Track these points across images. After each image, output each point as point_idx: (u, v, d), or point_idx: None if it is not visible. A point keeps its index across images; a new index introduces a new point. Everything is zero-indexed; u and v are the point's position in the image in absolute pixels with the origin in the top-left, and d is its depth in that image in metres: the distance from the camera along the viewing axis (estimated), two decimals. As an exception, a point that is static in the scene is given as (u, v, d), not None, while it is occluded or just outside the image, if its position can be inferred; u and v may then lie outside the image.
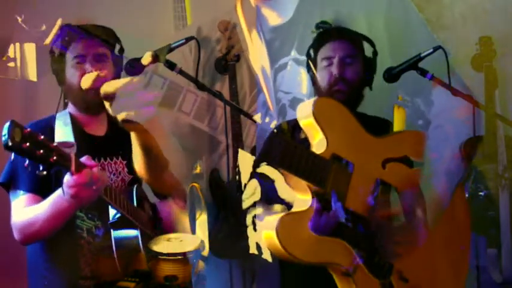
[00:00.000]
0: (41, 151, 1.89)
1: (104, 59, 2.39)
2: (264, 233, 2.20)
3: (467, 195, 2.66)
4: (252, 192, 2.63)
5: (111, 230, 2.27)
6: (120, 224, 2.27)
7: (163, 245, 2.29)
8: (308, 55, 2.52)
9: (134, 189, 2.41)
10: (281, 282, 2.51)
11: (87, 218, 2.36)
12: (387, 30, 2.69)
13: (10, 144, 1.81)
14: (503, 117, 3.50)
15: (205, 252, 2.87)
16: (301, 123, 2.29)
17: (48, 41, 2.26)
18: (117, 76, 2.44)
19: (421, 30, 2.76)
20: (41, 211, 2.20)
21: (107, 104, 2.03)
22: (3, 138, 1.82)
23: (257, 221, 2.59)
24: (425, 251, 2.36)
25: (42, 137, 1.91)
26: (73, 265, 2.33)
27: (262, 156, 2.17)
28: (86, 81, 2.31)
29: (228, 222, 2.96)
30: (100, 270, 2.32)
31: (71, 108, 2.46)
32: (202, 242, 2.38)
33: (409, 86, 2.64)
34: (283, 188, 2.37)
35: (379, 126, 2.49)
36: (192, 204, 3.18)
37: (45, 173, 1.93)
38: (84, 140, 2.40)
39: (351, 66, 2.43)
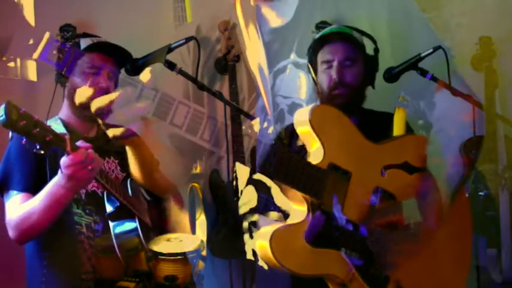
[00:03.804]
0: (37, 129, 1.96)
1: (113, 78, 2.42)
2: (258, 244, 2.18)
3: (467, 195, 2.64)
4: (248, 199, 2.62)
5: (110, 222, 2.29)
6: (118, 215, 2.29)
7: (163, 245, 2.29)
8: (308, 57, 2.50)
9: (128, 182, 2.43)
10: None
11: (85, 213, 2.38)
12: (389, 30, 2.67)
13: (7, 122, 1.90)
14: (503, 117, 3.50)
15: (205, 252, 2.87)
16: (298, 131, 2.25)
17: (36, 55, 2.25)
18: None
19: (424, 29, 2.74)
20: (37, 203, 2.22)
21: (99, 120, 2.05)
22: (1, 118, 1.90)
23: (253, 228, 2.58)
24: (425, 258, 2.32)
25: (37, 117, 1.98)
26: (74, 261, 2.34)
27: (257, 168, 2.15)
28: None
29: (228, 222, 2.95)
30: (102, 264, 2.33)
31: (62, 113, 2.49)
32: (202, 242, 2.39)
33: (411, 88, 2.62)
34: (279, 196, 2.35)
35: (388, 122, 2.46)
36: (192, 204, 3.18)
37: (42, 152, 2.00)
38: (75, 140, 2.40)
39: (350, 68, 2.40)
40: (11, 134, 2.32)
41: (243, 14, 2.85)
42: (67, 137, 2.07)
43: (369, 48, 2.47)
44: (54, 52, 2.23)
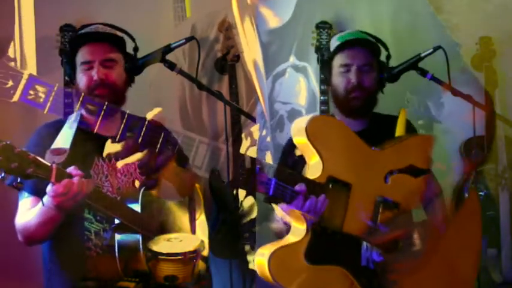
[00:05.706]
0: (16, 164, 1.90)
1: (112, 65, 2.36)
2: (257, 263, 2.17)
3: (466, 195, 2.63)
4: (248, 209, 2.61)
5: (115, 234, 2.27)
6: (123, 228, 2.26)
7: (163, 245, 2.28)
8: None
9: (140, 193, 2.36)
10: None
11: (95, 220, 2.34)
12: (393, 28, 2.65)
13: None
14: (503, 117, 3.50)
15: (205, 252, 2.87)
16: (296, 142, 2.24)
17: (16, 98, 2.19)
18: (130, 78, 2.41)
19: (432, 27, 2.70)
20: (32, 216, 2.22)
21: None
22: None
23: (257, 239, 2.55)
24: (427, 265, 2.29)
25: (18, 149, 1.92)
26: (80, 267, 2.32)
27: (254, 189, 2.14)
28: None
29: (228, 222, 2.95)
30: (103, 271, 2.31)
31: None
32: (202, 242, 2.38)
33: (418, 89, 2.61)
34: (279, 209, 2.34)
35: (394, 125, 2.44)
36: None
37: (22, 184, 1.96)
38: (94, 141, 2.37)
39: (367, 73, 2.41)
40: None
41: (240, 13, 2.82)
42: (54, 166, 2.02)
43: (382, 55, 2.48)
44: (32, 92, 2.17)
